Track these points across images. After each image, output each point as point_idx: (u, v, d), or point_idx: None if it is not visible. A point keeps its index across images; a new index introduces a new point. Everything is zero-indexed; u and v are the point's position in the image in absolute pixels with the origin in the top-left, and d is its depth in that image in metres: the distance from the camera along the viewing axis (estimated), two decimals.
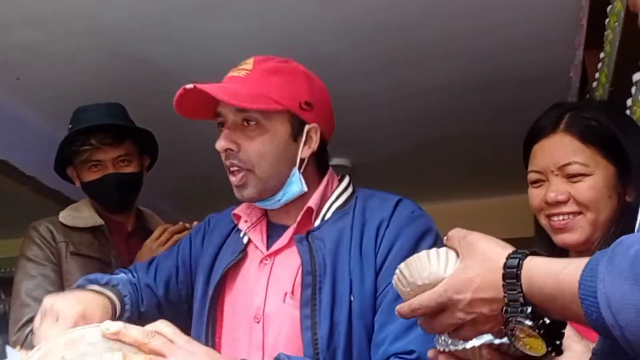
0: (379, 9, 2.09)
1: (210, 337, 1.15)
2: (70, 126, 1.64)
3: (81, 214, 1.64)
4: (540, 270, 0.61)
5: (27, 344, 1.41)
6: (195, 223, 1.64)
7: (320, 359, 1.02)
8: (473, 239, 0.71)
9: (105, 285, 1.16)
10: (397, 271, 0.76)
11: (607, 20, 1.64)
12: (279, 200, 1.15)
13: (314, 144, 1.14)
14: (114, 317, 1.10)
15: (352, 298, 1.05)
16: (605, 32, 1.67)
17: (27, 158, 2.68)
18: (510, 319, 0.64)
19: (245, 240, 1.19)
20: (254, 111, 1.09)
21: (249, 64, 1.13)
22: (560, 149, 1.14)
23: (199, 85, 1.07)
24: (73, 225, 1.62)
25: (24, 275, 1.54)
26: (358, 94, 2.64)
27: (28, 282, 1.53)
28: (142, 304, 1.19)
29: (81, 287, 1.16)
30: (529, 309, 0.62)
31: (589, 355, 0.64)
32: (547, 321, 0.63)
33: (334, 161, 3.32)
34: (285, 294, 1.10)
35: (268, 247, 1.17)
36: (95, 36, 2.21)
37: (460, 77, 2.51)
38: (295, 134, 1.12)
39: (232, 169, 1.13)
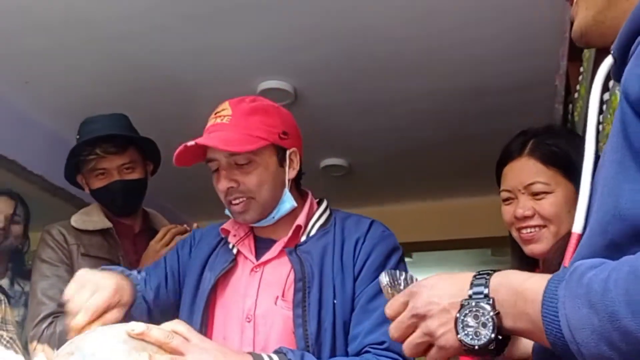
0: (375, 21, 2.18)
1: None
2: (77, 137, 1.74)
3: (91, 218, 1.74)
4: (506, 284, 0.68)
5: (43, 339, 1.53)
6: (195, 225, 1.77)
7: (310, 351, 1.18)
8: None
9: (122, 272, 1.30)
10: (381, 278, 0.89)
11: None
12: (273, 217, 1.32)
13: (296, 165, 1.33)
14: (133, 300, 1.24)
15: (335, 301, 1.24)
16: (585, 50, 1.77)
17: (34, 157, 2.78)
18: (468, 302, 0.69)
19: (235, 250, 1.34)
20: (246, 152, 1.24)
21: (227, 109, 1.29)
22: (525, 171, 1.30)
23: (199, 141, 1.23)
24: (84, 229, 1.72)
25: (39, 276, 1.65)
26: (354, 100, 2.75)
27: (43, 282, 1.63)
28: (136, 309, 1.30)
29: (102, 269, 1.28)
30: (490, 300, 0.68)
31: None
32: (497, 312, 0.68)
33: (332, 161, 3.42)
34: (277, 297, 1.26)
35: (257, 258, 1.32)
36: (100, 43, 2.30)
37: (452, 84, 2.61)
38: (281, 161, 1.31)
39: (233, 201, 1.28)
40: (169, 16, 2.15)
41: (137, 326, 0.93)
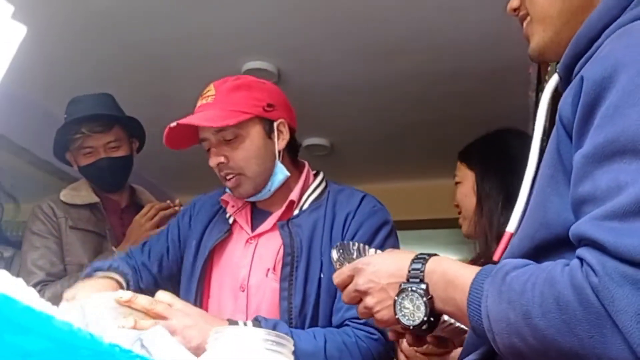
0: (358, 4, 2.24)
1: (198, 303, 1.35)
2: (65, 116, 1.80)
3: (79, 193, 1.82)
4: (440, 270, 0.77)
5: None
6: (177, 201, 1.87)
7: (294, 324, 1.25)
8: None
9: (108, 269, 1.35)
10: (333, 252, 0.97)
11: None
12: (269, 190, 1.35)
13: (286, 135, 1.35)
14: None
15: (321, 275, 1.28)
16: None
17: (21, 131, 2.82)
18: (406, 287, 0.77)
19: (230, 221, 1.39)
20: (230, 127, 1.28)
21: (211, 90, 1.33)
22: None
23: (180, 121, 1.28)
24: (72, 203, 1.79)
25: (29, 247, 1.73)
26: (337, 81, 2.81)
27: (33, 253, 1.71)
28: (141, 282, 1.40)
29: (89, 275, 1.35)
30: (425, 286, 0.76)
31: None
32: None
33: (315, 141, 3.49)
34: (268, 269, 1.32)
35: (253, 229, 1.38)
36: (87, 22, 2.33)
37: (432, 68, 2.68)
38: (269, 132, 1.33)
39: (226, 177, 1.33)
40: None
41: (124, 294, 1.02)
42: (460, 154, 1.57)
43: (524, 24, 0.87)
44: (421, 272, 0.78)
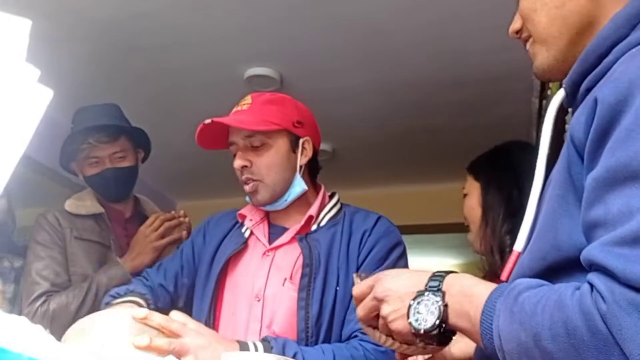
0: (361, 11, 2.25)
1: (212, 312, 1.39)
2: (72, 126, 1.80)
3: (84, 203, 1.81)
4: (458, 285, 0.77)
5: (37, 317, 1.61)
6: (182, 212, 1.88)
7: (310, 332, 1.30)
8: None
9: (126, 294, 1.40)
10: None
11: None
12: (285, 200, 1.41)
13: (309, 152, 1.43)
14: None
15: (337, 288, 1.34)
16: None
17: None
18: (422, 292, 0.78)
19: (246, 234, 1.45)
20: (259, 134, 1.37)
21: (248, 99, 1.42)
22: None
23: (215, 119, 1.35)
24: (77, 213, 1.79)
25: (34, 257, 1.72)
26: (340, 87, 2.82)
27: (38, 263, 1.70)
28: (159, 301, 1.44)
29: (108, 304, 1.40)
30: (441, 294, 0.76)
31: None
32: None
33: None
34: (285, 279, 1.37)
35: (269, 242, 1.43)
36: (89, 29, 2.34)
37: (433, 75, 2.69)
38: (294, 147, 1.41)
39: (246, 181, 1.40)
40: (158, 3, 2.20)
41: (140, 312, 1.03)
42: (468, 167, 1.60)
43: (527, 45, 0.88)
44: (440, 282, 0.78)
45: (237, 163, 1.39)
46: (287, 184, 1.39)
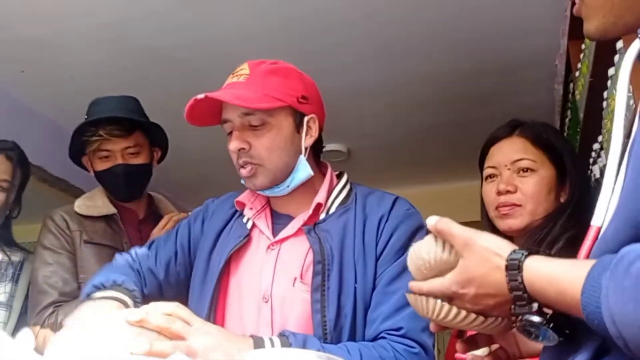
0: (375, 4, 2.17)
1: (212, 315, 1.22)
2: (86, 117, 1.70)
3: (95, 203, 1.70)
4: (540, 275, 0.67)
5: (45, 327, 1.51)
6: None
7: (328, 339, 1.12)
8: (470, 239, 0.74)
9: (111, 287, 1.19)
10: (410, 252, 0.82)
11: None
12: (287, 186, 1.23)
13: (314, 132, 1.24)
14: None
15: (356, 285, 1.16)
16: None
17: (33, 148, 2.75)
18: (519, 316, 0.69)
19: (249, 225, 1.27)
20: (259, 111, 1.17)
21: (245, 69, 1.21)
22: (514, 147, 1.36)
23: (209, 94, 1.16)
24: (87, 214, 1.68)
25: (41, 263, 1.61)
26: (353, 84, 2.73)
27: (45, 270, 1.60)
28: (145, 287, 1.27)
29: (89, 296, 1.19)
30: (535, 306, 0.67)
31: None
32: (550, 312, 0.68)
33: (331, 146, 3.40)
34: (295, 278, 1.19)
35: (274, 234, 1.25)
36: (98, 30, 2.28)
37: (450, 67, 2.59)
38: (298, 126, 1.22)
39: (243, 165, 1.21)
40: (169, 1, 2.13)
41: (135, 314, 0.91)
42: (537, 138, 1.35)
43: (576, 2, 0.80)
44: (524, 293, 0.68)
45: (234, 145, 1.19)
46: (290, 169, 1.21)
